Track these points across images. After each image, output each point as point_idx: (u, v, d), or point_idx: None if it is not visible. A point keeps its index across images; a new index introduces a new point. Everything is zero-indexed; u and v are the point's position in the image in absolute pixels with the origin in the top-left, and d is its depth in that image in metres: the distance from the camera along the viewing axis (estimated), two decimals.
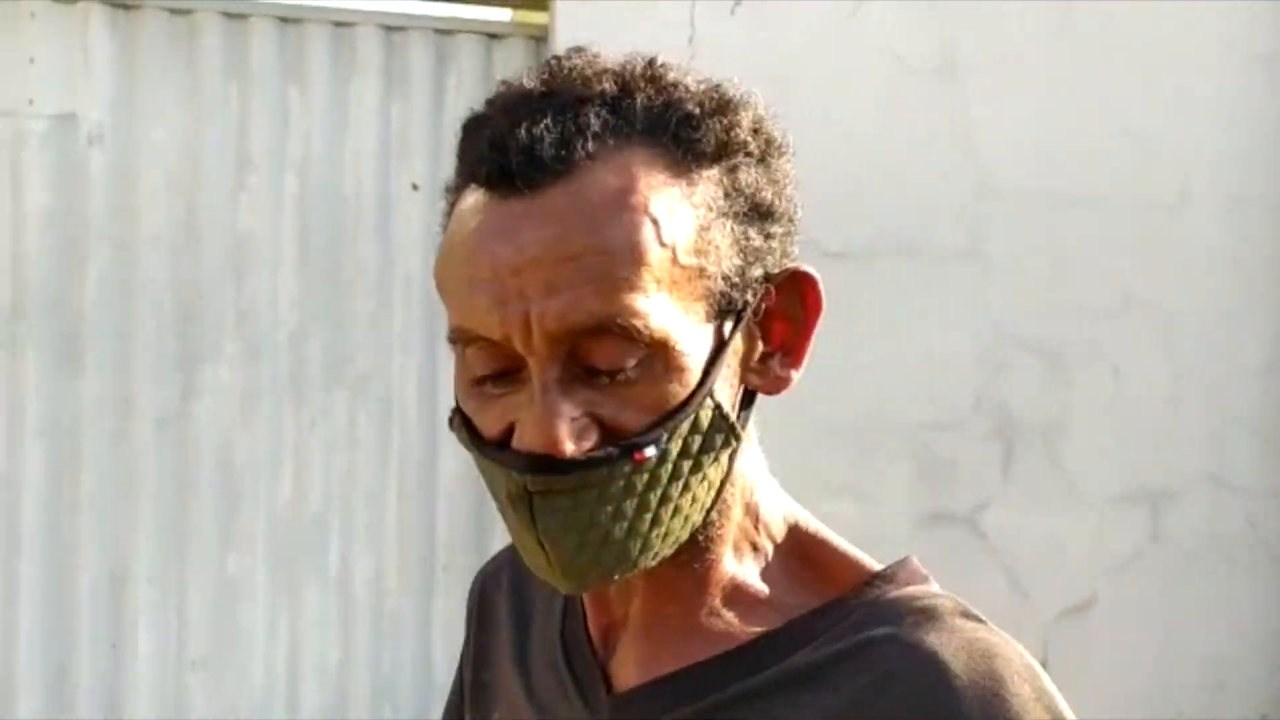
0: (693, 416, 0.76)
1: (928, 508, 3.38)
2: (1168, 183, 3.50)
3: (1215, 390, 3.54)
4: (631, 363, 0.73)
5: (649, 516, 0.76)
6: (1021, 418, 3.42)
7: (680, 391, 0.75)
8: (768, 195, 0.79)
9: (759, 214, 0.78)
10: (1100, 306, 3.44)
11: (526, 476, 0.74)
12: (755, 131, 0.79)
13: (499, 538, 3.02)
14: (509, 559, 0.98)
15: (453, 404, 0.81)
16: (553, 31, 3.13)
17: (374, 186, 3.15)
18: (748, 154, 0.78)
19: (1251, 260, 3.56)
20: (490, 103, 0.77)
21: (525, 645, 0.92)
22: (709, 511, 0.80)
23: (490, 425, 0.76)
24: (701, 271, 0.75)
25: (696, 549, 0.82)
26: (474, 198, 0.75)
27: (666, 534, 0.77)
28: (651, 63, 0.78)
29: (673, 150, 0.75)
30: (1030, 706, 0.74)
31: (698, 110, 0.77)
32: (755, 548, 0.85)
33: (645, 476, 0.75)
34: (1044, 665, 3.07)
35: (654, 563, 0.78)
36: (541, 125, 0.72)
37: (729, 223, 0.77)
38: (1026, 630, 3.40)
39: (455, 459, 3.16)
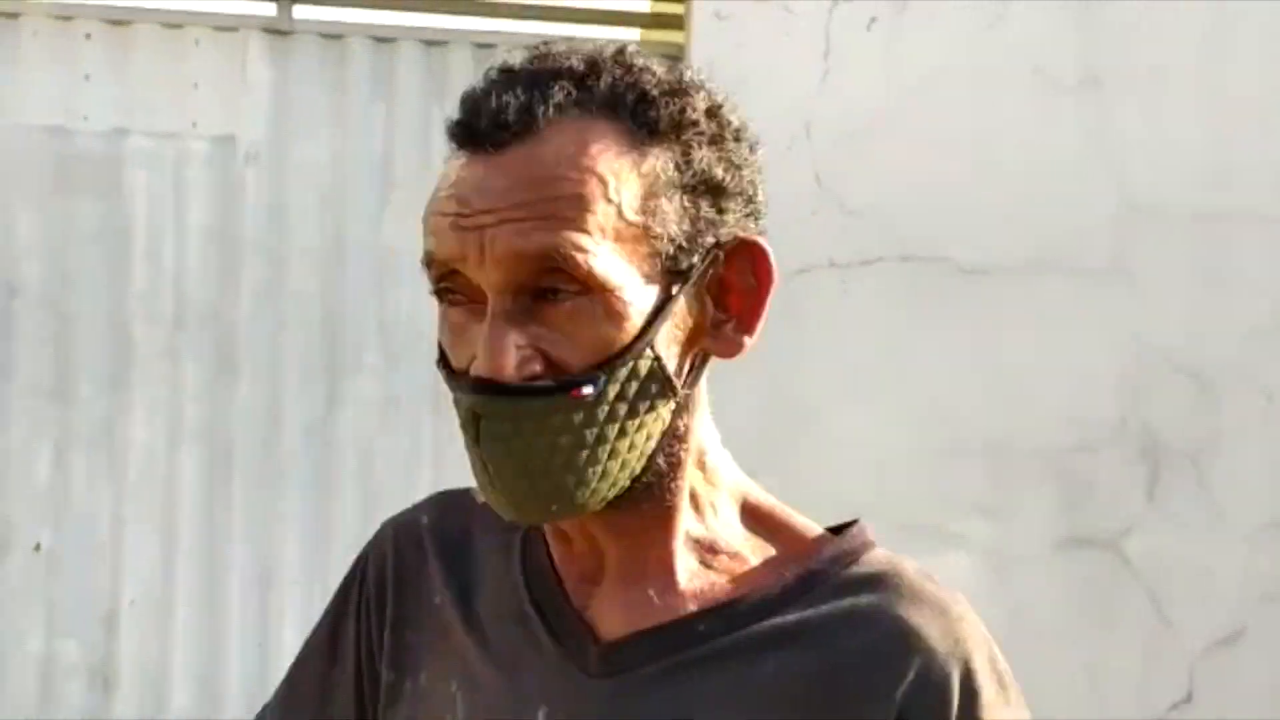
0: (631, 364, 0.83)
1: (1067, 531, 3.30)
2: None
3: None
4: (571, 297, 0.81)
5: (585, 454, 0.83)
6: (1168, 440, 3.31)
7: (620, 337, 0.82)
8: (719, 172, 0.85)
9: (709, 188, 0.85)
10: (1251, 325, 3.31)
11: (474, 398, 0.82)
12: (709, 114, 0.86)
13: None
14: (430, 525, 0.98)
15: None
16: (689, 50, 3.18)
17: None
18: (699, 133, 0.85)
19: None
20: (483, 78, 0.87)
21: (470, 603, 0.93)
22: (651, 460, 0.86)
23: (459, 358, 0.85)
24: (647, 230, 0.83)
25: (654, 499, 0.88)
26: (454, 157, 0.85)
27: (603, 474, 0.83)
28: (622, 49, 0.86)
29: (629, 125, 0.83)
30: (988, 671, 0.86)
31: (655, 91, 0.84)
32: (714, 507, 0.91)
33: (581, 415, 0.82)
34: (1189, 699, 2.94)
35: (597, 504, 0.84)
36: (510, 93, 0.82)
37: (678, 194, 0.84)
38: (1171, 662, 3.29)
39: None
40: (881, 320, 3.20)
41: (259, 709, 1.03)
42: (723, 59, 3.05)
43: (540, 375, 0.82)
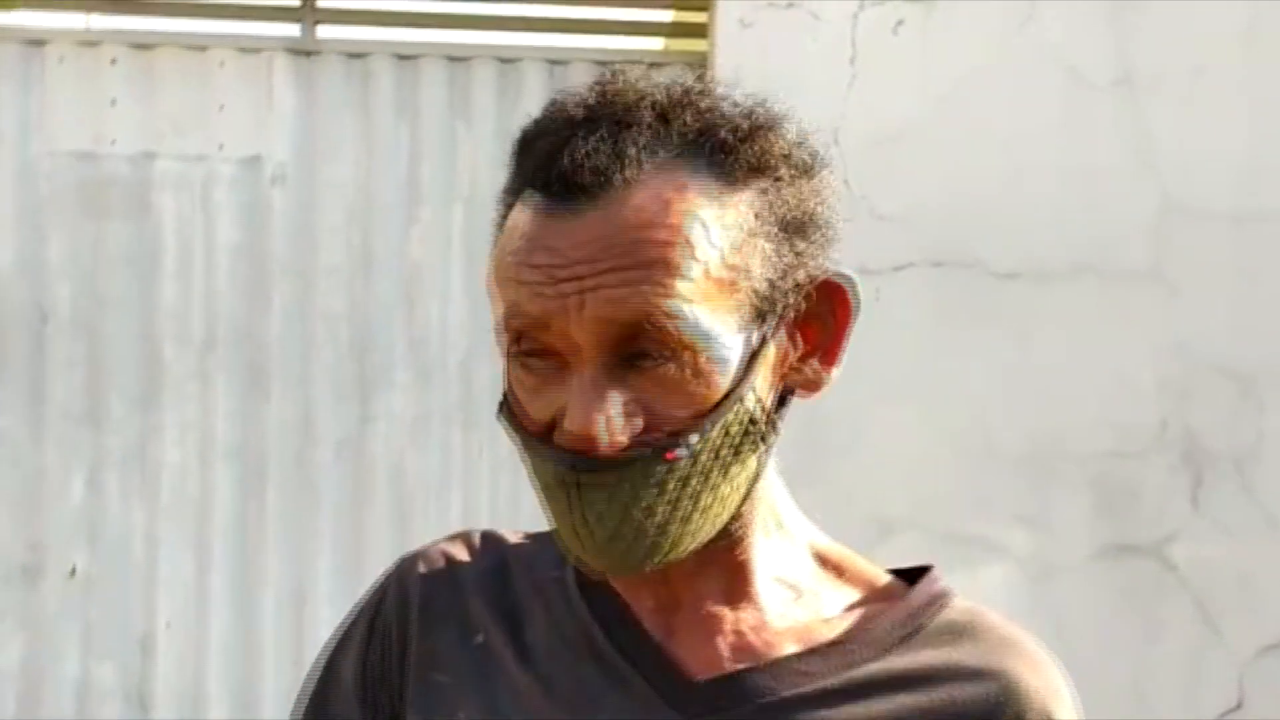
0: (723, 419, 0.82)
1: (1109, 539, 3.23)
2: None
3: None
4: (662, 361, 0.80)
5: (678, 514, 0.82)
6: (1211, 444, 3.24)
7: (711, 395, 0.81)
8: (799, 212, 0.84)
9: (794, 228, 0.84)
10: None
11: (566, 465, 0.81)
12: (787, 155, 0.84)
13: None
14: (469, 562, 0.94)
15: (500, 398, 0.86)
16: (713, 58, 3.16)
17: None
18: (777, 177, 0.83)
19: None
20: (541, 120, 0.84)
21: (521, 641, 0.90)
22: (739, 507, 0.86)
23: (537, 414, 0.83)
24: (734, 285, 0.81)
25: (735, 537, 0.87)
26: (528, 208, 0.82)
27: (695, 531, 0.83)
28: (688, 90, 0.84)
29: (707, 175, 0.82)
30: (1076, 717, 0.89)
31: (731, 137, 0.82)
32: (789, 545, 0.91)
33: (675, 477, 0.81)
34: (1239, 707, 2.87)
35: (683, 556, 0.84)
36: (587, 147, 0.80)
37: (760, 240, 0.82)
38: (1219, 669, 3.22)
39: None
40: (916, 327, 3.16)
41: None
42: (748, 67, 3.02)
43: (634, 439, 0.81)
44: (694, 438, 0.81)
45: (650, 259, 0.79)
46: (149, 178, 3.16)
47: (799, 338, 0.85)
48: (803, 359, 0.86)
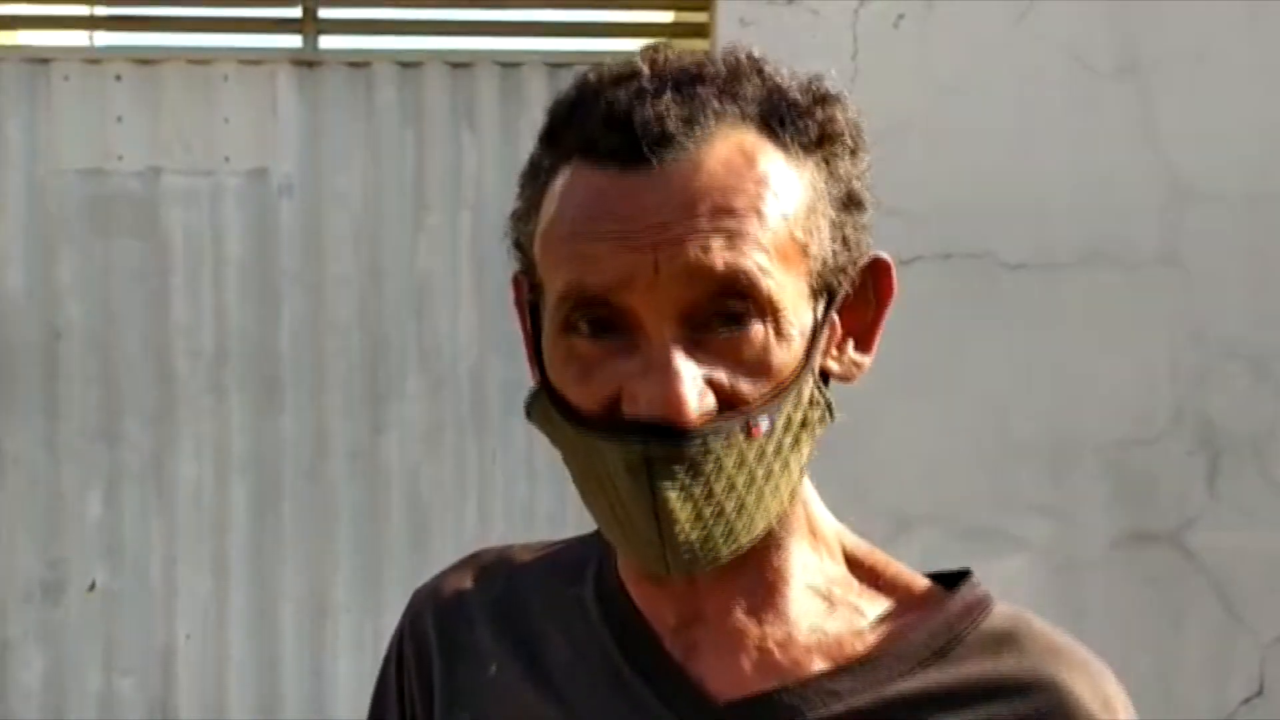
0: (797, 391, 0.77)
1: (1127, 526, 3.22)
2: None
3: None
4: (749, 322, 0.75)
5: (755, 491, 0.76)
6: (1227, 429, 3.23)
7: (790, 362, 0.76)
8: (858, 186, 0.81)
9: (852, 203, 0.80)
10: None
11: (648, 444, 0.73)
12: (849, 128, 0.81)
13: None
14: (474, 590, 0.91)
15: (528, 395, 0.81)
16: (714, 53, 3.15)
17: None
18: (835, 151, 0.80)
19: None
20: (587, 85, 0.79)
21: (538, 668, 0.85)
22: (789, 502, 0.81)
23: (592, 396, 0.76)
24: (806, 250, 0.77)
25: (773, 540, 0.82)
26: (586, 173, 0.76)
27: (763, 519, 0.78)
28: (750, 54, 0.80)
29: (780, 135, 0.78)
30: None
31: (802, 99, 0.79)
32: (823, 552, 0.85)
33: (755, 451, 0.76)
34: (1261, 693, 2.86)
35: (748, 545, 0.78)
36: (660, 105, 0.75)
37: (829, 209, 0.79)
38: (1241, 655, 3.20)
39: None
40: (928, 320, 3.15)
41: None
42: None
43: (715, 411, 0.74)
44: (775, 412, 0.75)
45: (743, 208, 0.74)
46: (156, 193, 3.17)
47: (838, 321, 0.81)
48: (841, 343, 0.82)
